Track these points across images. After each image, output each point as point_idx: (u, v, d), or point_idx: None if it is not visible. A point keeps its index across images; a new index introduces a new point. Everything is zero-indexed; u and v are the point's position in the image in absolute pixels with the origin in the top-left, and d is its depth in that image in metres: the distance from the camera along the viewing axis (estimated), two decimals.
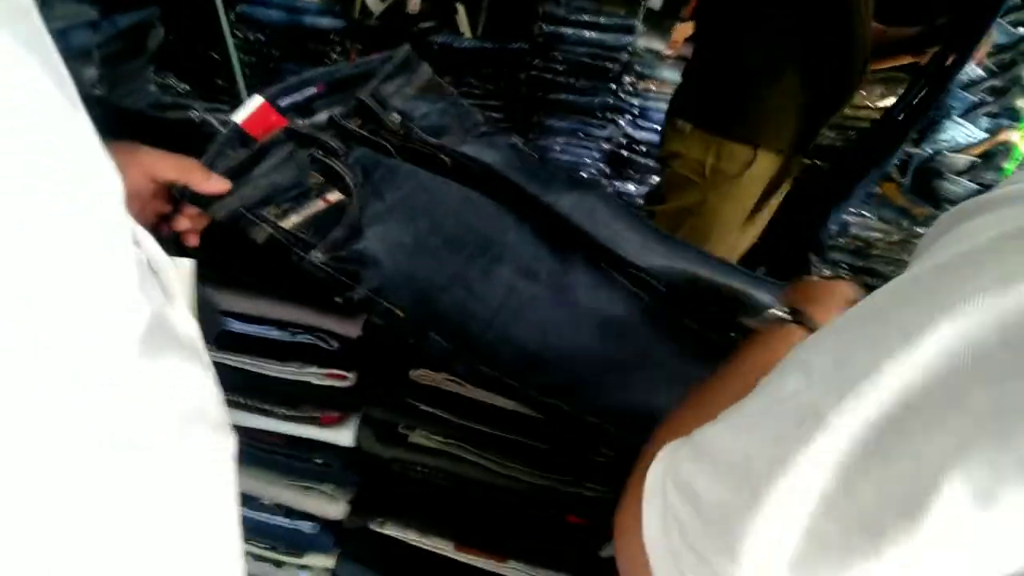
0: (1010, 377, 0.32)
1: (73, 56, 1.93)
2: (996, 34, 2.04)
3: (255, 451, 0.97)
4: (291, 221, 0.76)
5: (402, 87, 1.02)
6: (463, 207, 0.88)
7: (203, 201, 0.74)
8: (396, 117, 0.98)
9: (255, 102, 0.84)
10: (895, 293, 0.40)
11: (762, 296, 1.03)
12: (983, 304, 0.33)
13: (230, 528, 0.46)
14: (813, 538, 0.36)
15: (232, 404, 0.91)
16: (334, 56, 2.70)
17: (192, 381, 0.44)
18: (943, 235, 0.41)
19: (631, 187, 2.75)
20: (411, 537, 0.98)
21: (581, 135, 2.76)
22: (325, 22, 2.65)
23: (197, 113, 2.64)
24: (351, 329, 0.85)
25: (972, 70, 2.10)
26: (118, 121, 1.38)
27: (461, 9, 2.74)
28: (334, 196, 0.80)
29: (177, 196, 0.74)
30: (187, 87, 2.60)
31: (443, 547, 0.98)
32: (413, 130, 0.98)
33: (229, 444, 0.46)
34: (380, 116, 0.95)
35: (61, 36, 1.88)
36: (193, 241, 0.79)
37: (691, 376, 0.87)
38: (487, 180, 0.95)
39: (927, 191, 2.47)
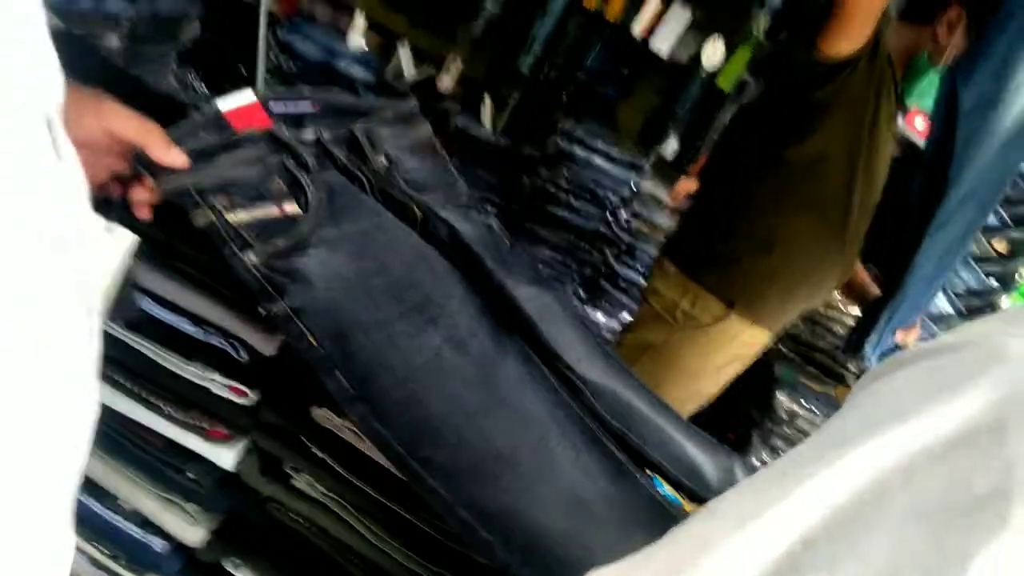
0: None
1: (104, 18, 1.93)
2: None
3: (129, 446, 0.90)
4: (237, 216, 0.73)
5: (398, 136, 1.01)
6: (417, 261, 0.86)
7: (155, 170, 0.71)
8: (383, 160, 0.97)
9: (246, 97, 0.82)
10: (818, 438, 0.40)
11: (694, 456, 1.00)
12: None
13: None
14: None
15: (122, 389, 0.86)
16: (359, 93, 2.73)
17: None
18: (858, 392, 0.41)
19: (600, 316, 2.76)
20: None
21: (566, 254, 2.79)
22: (358, 72, 2.71)
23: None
24: (267, 346, 0.81)
25: None
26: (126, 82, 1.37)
27: (488, 102, 2.81)
28: (291, 208, 0.78)
29: (135, 162, 0.71)
30: (206, 88, 2.62)
31: None
32: (396, 177, 0.97)
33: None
34: (367, 154, 0.95)
35: None
36: (144, 214, 0.76)
37: (590, 502, 0.84)
38: (451, 245, 0.93)
39: None
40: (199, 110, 0.79)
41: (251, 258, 0.72)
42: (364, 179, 0.91)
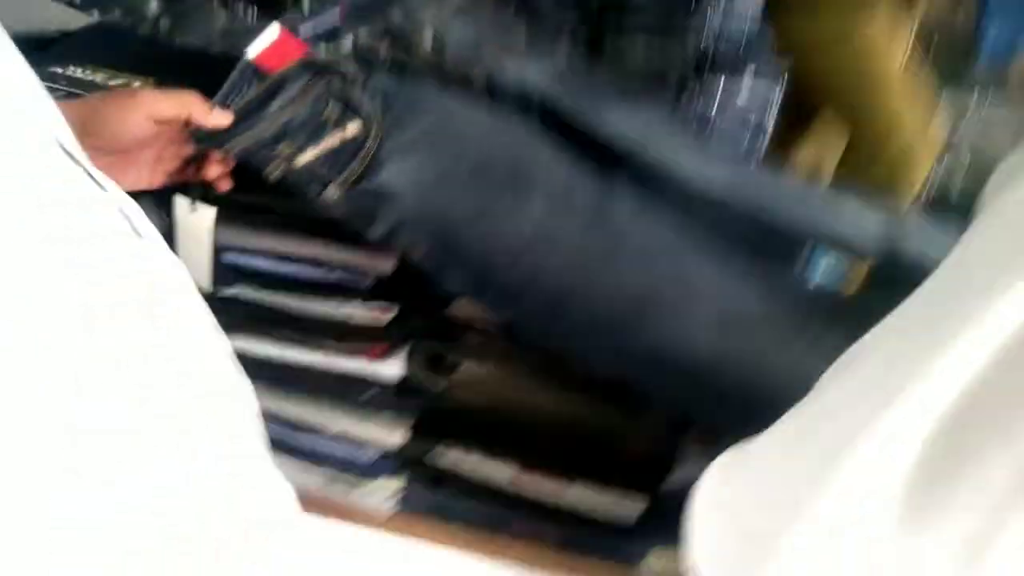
0: None
1: None
2: None
3: (312, 383, 0.98)
4: (306, 157, 0.74)
5: (439, 5, 0.96)
6: (493, 133, 0.83)
7: (215, 139, 0.72)
8: (429, 37, 0.93)
9: (272, 32, 0.80)
10: (963, 266, 0.34)
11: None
12: None
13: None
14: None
15: (282, 339, 0.92)
16: None
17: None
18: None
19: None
20: (473, 461, 0.99)
21: (663, 33, 2.59)
22: None
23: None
24: (384, 264, 0.83)
25: None
26: (173, 58, 1.38)
27: None
28: (352, 128, 0.77)
29: (191, 139, 0.73)
30: (256, 10, 2.58)
31: (506, 471, 0.98)
32: (446, 51, 0.93)
33: (247, 387, 0.46)
34: (410, 38, 0.91)
35: None
36: (225, 186, 0.78)
37: (743, 316, 0.81)
38: (522, 97, 0.89)
39: None
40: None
41: (333, 193, 0.73)
42: (415, 66, 0.88)
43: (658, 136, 0.93)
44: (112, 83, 0.88)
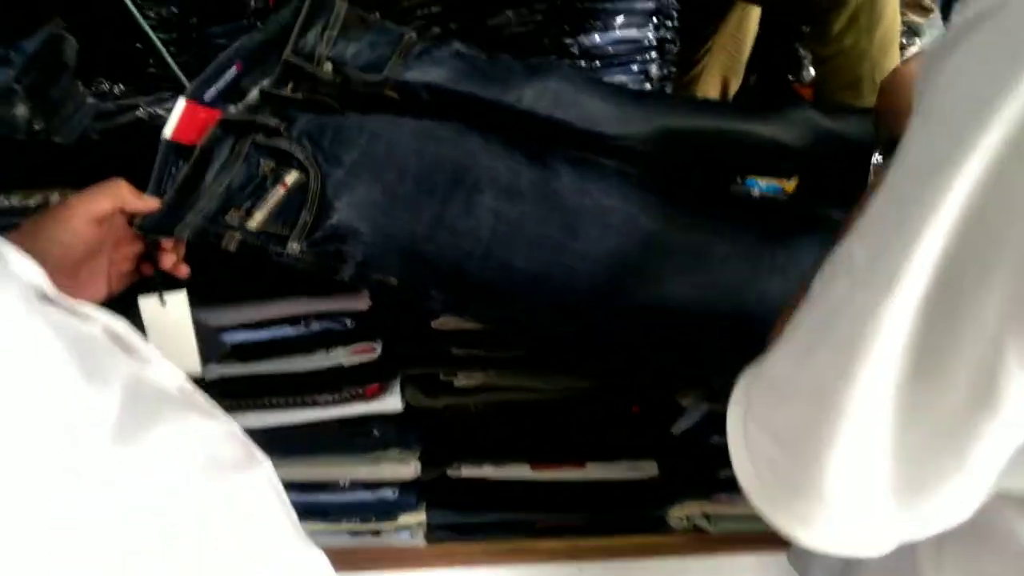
0: None
1: None
2: None
3: (316, 440, 0.96)
4: (256, 220, 0.72)
5: (323, 31, 0.94)
6: (424, 142, 0.83)
7: (163, 228, 0.70)
8: (328, 66, 0.91)
9: (179, 106, 0.78)
10: (914, 157, 0.38)
11: (768, 134, 0.96)
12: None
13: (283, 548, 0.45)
14: (901, 455, 0.34)
15: (279, 406, 0.91)
16: (251, 3, 2.55)
17: (192, 435, 0.42)
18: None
19: (596, 38, 2.60)
20: (488, 471, 0.99)
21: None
22: None
23: (144, 110, 2.56)
24: (359, 303, 0.82)
25: None
26: (65, 158, 1.33)
27: None
28: (291, 178, 0.76)
29: (138, 233, 0.70)
30: (123, 87, 2.50)
31: (520, 471, 0.98)
32: (349, 73, 0.92)
33: (260, 473, 0.45)
34: (311, 71, 0.89)
35: None
36: (184, 272, 0.76)
37: (707, 255, 0.84)
38: (438, 101, 0.89)
39: None
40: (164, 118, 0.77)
41: (294, 248, 0.72)
42: (326, 99, 0.87)
43: (573, 104, 0.95)
44: (31, 202, 0.84)
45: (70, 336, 0.35)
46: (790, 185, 1.01)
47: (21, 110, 1.88)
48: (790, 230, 0.88)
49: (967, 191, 0.32)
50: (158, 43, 2.42)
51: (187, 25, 2.59)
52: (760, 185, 0.98)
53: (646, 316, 0.79)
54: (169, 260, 0.73)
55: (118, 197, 0.71)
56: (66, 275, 0.67)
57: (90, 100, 2.28)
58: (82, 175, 0.92)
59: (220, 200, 0.73)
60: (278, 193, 0.75)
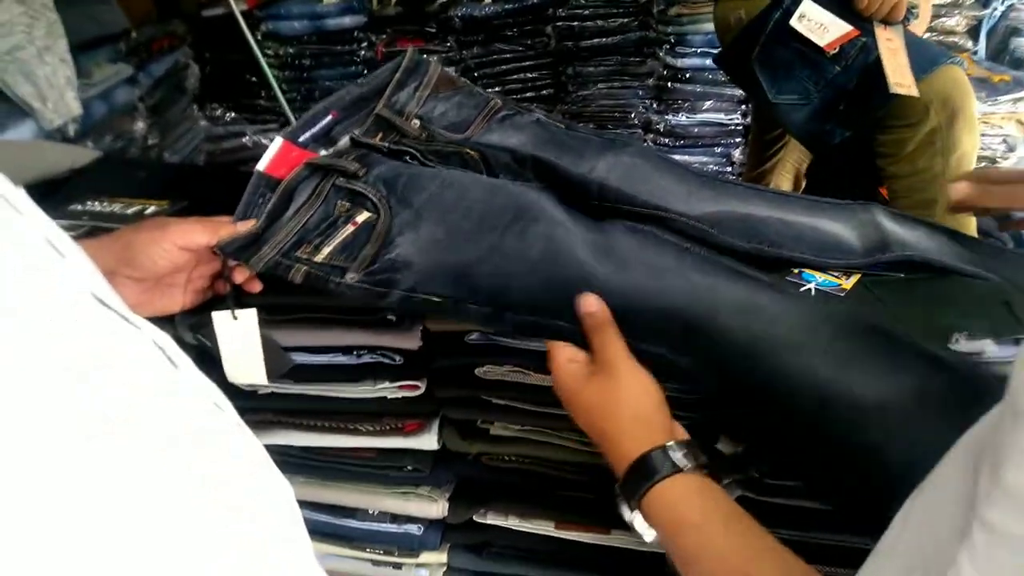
0: None
1: (120, 114, 2.02)
2: None
3: (352, 468, 1.01)
4: (323, 253, 0.78)
5: (416, 91, 1.02)
6: (494, 192, 0.86)
7: (241, 253, 0.77)
8: (416, 122, 0.98)
9: (276, 144, 0.86)
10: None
11: (829, 230, 0.97)
12: None
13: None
14: None
15: (320, 428, 0.96)
16: (362, 53, 2.72)
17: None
18: None
19: (683, 118, 2.68)
20: (512, 522, 1.01)
21: (621, 76, 2.70)
22: (348, 21, 2.68)
23: (249, 137, 2.74)
24: (410, 342, 0.87)
25: None
26: (170, 174, 1.44)
27: None
28: (361, 216, 0.82)
29: (219, 253, 0.77)
30: (234, 114, 2.68)
31: (544, 528, 1.00)
32: (435, 131, 0.99)
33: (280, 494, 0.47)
34: (399, 125, 0.96)
35: (105, 98, 1.97)
36: (256, 287, 0.82)
37: (757, 331, 0.83)
38: (518, 165, 0.94)
39: (1005, 54, 2.31)
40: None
41: (352, 277, 0.77)
42: (411, 151, 0.93)
43: (644, 179, 0.98)
44: (129, 211, 0.93)
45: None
46: (848, 283, 1.03)
47: (140, 126, 2.06)
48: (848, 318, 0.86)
49: None
50: (272, 79, 2.61)
51: (300, 65, 2.79)
52: (817, 280, 0.99)
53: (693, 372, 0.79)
54: (242, 275, 0.80)
55: (215, 235, 0.77)
56: (146, 286, 0.74)
57: (202, 123, 2.48)
58: (183, 193, 1.01)
59: (296, 237, 0.79)
60: (347, 230, 0.81)
